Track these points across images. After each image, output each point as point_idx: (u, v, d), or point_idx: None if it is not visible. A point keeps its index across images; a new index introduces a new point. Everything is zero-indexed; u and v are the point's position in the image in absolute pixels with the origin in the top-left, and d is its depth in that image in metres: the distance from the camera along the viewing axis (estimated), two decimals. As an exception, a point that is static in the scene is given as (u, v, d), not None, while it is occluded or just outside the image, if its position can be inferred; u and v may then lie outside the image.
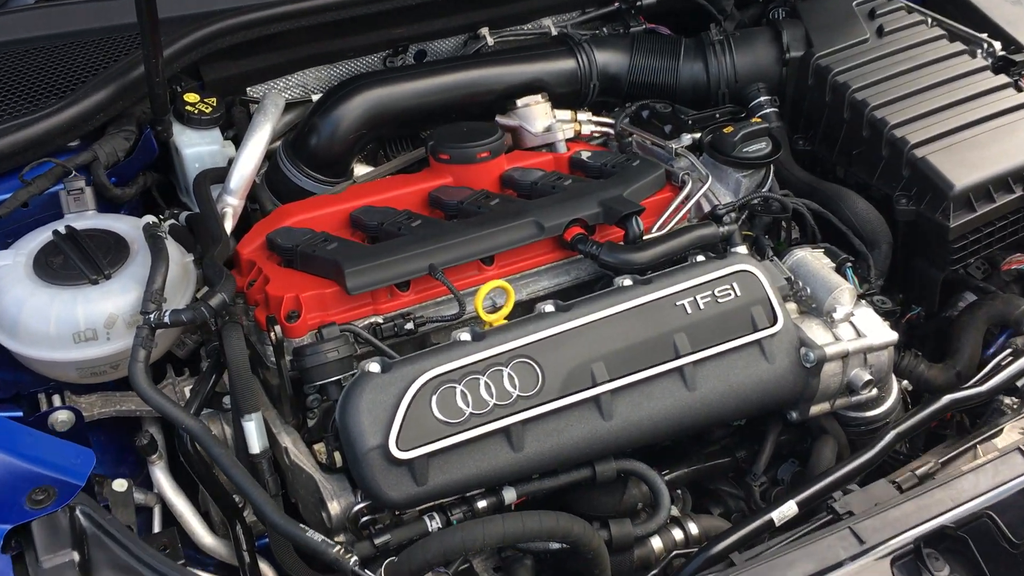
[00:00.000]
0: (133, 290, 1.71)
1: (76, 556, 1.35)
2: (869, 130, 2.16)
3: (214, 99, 2.13)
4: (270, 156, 2.17)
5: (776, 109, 2.30)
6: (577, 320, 1.65)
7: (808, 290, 1.86)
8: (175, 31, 2.06)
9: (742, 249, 1.87)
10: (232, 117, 2.20)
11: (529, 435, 1.59)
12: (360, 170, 2.25)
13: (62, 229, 1.80)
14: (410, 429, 1.52)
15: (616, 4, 2.53)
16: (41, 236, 1.81)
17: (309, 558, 1.63)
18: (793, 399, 1.78)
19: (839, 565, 1.45)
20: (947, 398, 1.83)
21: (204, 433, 1.55)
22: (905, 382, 2.01)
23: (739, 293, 1.74)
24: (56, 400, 1.78)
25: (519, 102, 2.22)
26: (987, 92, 2.21)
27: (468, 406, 1.56)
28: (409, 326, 1.75)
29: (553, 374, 1.60)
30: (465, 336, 1.63)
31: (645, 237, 1.89)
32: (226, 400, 1.75)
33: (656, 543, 1.71)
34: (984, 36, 2.40)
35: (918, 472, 1.69)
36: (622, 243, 1.88)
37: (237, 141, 2.16)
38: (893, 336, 1.84)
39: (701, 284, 1.73)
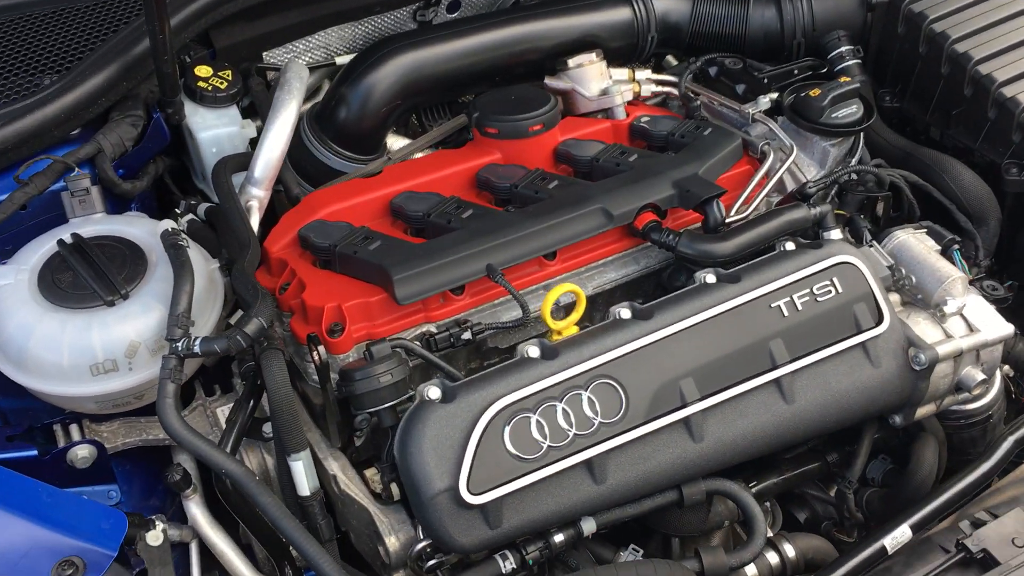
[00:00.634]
0: (155, 309, 1.52)
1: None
2: (972, 87, 1.96)
3: (228, 72, 1.91)
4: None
5: (859, 61, 2.07)
6: (661, 331, 1.51)
7: (913, 279, 1.70)
8: (180, -5, 1.82)
9: (836, 233, 1.72)
10: (248, 88, 1.97)
11: (612, 464, 1.46)
12: (394, 143, 2.03)
13: (68, 238, 1.58)
14: (481, 469, 1.39)
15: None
16: (44, 247, 1.60)
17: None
18: (899, 404, 1.63)
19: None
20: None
21: (249, 480, 1.38)
22: (1007, 367, 1.84)
23: (840, 289, 1.59)
24: (74, 432, 1.60)
25: (571, 62, 2.00)
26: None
27: (545, 438, 1.43)
28: (466, 336, 1.58)
29: (638, 395, 1.47)
30: (534, 351, 1.48)
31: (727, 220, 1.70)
32: (266, 428, 1.58)
33: (751, 572, 1.56)
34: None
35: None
36: (701, 231, 1.70)
37: (252, 112, 1.97)
38: (1009, 329, 1.68)
39: (798, 281, 1.58)
